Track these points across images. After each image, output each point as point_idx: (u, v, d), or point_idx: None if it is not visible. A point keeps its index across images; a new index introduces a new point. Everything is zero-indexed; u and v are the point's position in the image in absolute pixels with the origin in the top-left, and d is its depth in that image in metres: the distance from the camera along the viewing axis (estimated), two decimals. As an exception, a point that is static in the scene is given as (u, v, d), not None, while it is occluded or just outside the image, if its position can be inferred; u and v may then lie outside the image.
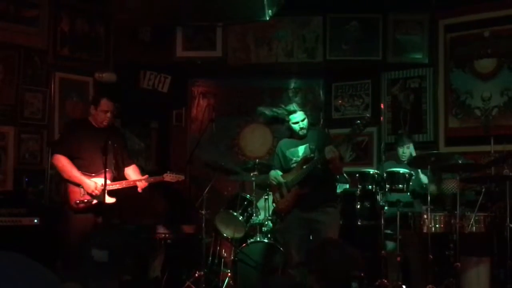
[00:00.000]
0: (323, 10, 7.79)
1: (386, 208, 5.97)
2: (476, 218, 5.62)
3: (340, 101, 8.25)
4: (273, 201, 5.93)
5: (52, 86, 7.16)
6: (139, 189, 5.60)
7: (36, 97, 7.03)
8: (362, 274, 6.47)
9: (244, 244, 6.26)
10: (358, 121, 5.13)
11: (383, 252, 5.94)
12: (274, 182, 5.55)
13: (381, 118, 7.71)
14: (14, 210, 6.05)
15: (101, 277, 5.31)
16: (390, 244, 6.16)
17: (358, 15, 7.75)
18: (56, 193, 7.08)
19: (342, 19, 7.79)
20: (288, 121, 5.48)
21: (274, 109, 5.56)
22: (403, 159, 6.42)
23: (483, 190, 5.77)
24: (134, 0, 6.89)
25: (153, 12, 7.18)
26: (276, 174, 5.58)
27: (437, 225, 5.77)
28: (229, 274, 6.25)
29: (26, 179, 6.83)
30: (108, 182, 5.42)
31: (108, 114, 5.45)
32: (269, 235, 6.36)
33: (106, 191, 5.33)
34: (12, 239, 5.93)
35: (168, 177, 5.73)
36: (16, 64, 6.89)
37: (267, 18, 6.79)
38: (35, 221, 6.13)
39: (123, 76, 7.44)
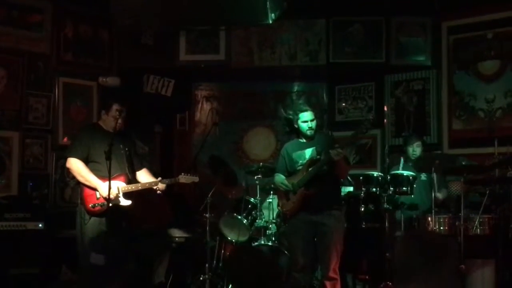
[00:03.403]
0: (326, 13, 7.79)
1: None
2: (481, 220, 5.62)
3: (343, 104, 8.25)
4: (278, 204, 5.93)
5: (56, 91, 7.18)
6: (158, 191, 5.63)
7: (40, 102, 7.05)
8: (367, 277, 6.49)
9: (248, 248, 6.26)
10: (364, 121, 5.18)
11: (387, 254, 5.94)
12: (283, 188, 5.55)
13: (385, 120, 7.71)
14: (19, 215, 6.08)
15: (100, 281, 5.36)
16: None
17: (361, 18, 7.75)
18: (60, 197, 7.11)
19: (345, 22, 7.80)
20: (297, 119, 5.49)
21: (286, 110, 5.60)
22: (413, 158, 6.45)
23: (488, 192, 5.77)
24: (137, 5, 6.89)
25: (156, 17, 7.19)
26: (281, 179, 5.59)
27: (441, 227, 5.78)
28: (234, 277, 6.25)
29: (31, 184, 6.85)
30: (124, 184, 5.48)
31: (119, 119, 5.46)
32: (273, 238, 6.36)
33: (121, 193, 5.42)
34: (17, 243, 5.96)
35: (183, 178, 5.73)
36: (20, 69, 6.92)
37: (270, 22, 6.78)
38: (40, 225, 6.15)
39: (126, 81, 7.45)
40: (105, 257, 5.36)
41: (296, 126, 5.54)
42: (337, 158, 5.15)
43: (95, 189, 5.37)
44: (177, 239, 6.91)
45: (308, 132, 5.48)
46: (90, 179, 5.39)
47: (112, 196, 5.25)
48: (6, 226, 5.98)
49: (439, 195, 6.30)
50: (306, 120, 5.46)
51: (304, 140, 5.57)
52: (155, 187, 5.61)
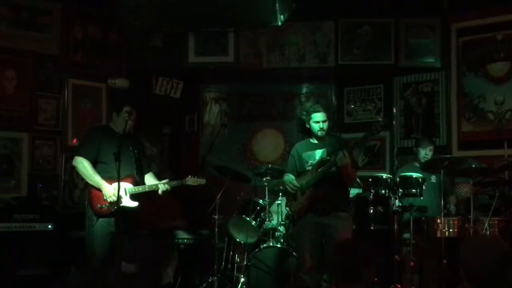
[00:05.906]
0: (335, 15, 7.79)
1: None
2: (490, 222, 5.61)
3: (352, 106, 8.24)
4: (287, 205, 5.93)
5: (65, 92, 7.20)
6: (160, 192, 5.62)
7: (50, 103, 7.07)
8: (376, 279, 6.47)
9: (257, 249, 6.26)
10: (376, 122, 5.19)
11: (396, 256, 5.92)
12: (291, 187, 5.54)
13: (394, 122, 7.69)
14: (28, 216, 6.09)
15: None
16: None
17: (369, 20, 7.74)
18: (69, 198, 7.13)
19: (354, 24, 7.79)
20: (310, 119, 5.50)
21: (299, 110, 5.64)
22: (424, 161, 6.41)
23: (497, 194, 5.75)
24: (143, 6, 6.91)
25: (163, 18, 7.20)
26: (290, 179, 5.59)
27: (450, 230, 5.76)
28: (242, 279, 6.25)
29: (40, 185, 6.87)
30: (131, 186, 5.50)
31: (130, 121, 5.48)
32: (282, 240, 6.35)
33: (129, 195, 5.45)
34: (26, 244, 5.97)
35: (190, 180, 5.76)
36: (29, 71, 6.94)
37: (279, 24, 6.79)
38: (49, 226, 6.16)
39: (135, 82, 7.46)
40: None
41: (308, 126, 5.56)
42: (341, 163, 5.15)
43: (101, 190, 5.40)
44: (185, 240, 6.92)
45: (319, 133, 5.49)
46: (94, 179, 5.41)
47: (114, 197, 5.27)
48: (15, 227, 5.99)
49: (453, 207, 6.32)
50: (318, 120, 5.48)
51: (316, 141, 5.57)
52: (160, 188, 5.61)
